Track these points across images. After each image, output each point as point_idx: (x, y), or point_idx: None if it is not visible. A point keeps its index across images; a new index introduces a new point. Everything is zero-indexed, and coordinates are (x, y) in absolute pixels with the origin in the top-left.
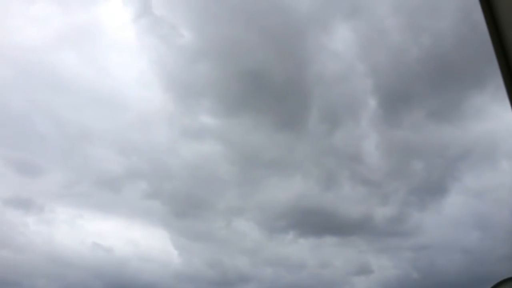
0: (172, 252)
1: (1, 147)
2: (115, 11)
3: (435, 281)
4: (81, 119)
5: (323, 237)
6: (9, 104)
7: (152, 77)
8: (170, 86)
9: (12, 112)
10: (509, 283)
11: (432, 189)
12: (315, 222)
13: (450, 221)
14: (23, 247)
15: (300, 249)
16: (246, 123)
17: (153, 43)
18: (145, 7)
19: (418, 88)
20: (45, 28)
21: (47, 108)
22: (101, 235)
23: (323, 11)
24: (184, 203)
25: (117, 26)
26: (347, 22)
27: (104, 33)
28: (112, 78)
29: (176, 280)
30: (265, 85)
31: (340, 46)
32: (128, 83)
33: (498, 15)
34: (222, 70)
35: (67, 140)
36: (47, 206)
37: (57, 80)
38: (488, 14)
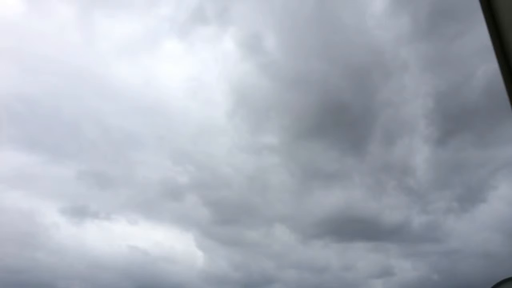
0: (200, 255)
1: (58, 155)
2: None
3: (454, 283)
4: (141, 129)
5: (356, 243)
6: (62, 111)
7: (221, 95)
8: (241, 105)
9: (64, 118)
10: (509, 283)
11: (470, 198)
12: (353, 229)
13: (482, 227)
14: (59, 250)
15: (329, 254)
16: (315, 146)
17: (233, 64)
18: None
19: (470, 111)
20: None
21: (104, 116)
22: (137, 239)
23: (397, 48)
24: (232, 211)
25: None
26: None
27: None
28: (173, 92)
29: (205, 282)
30: (341, 114)
31: (407, 76)
32: (192, 99)
33: (498, 15)
34: (304, 97)
35: (124, 151)
36: (101, 213)
37: (122, 91)
38: (488, 14)
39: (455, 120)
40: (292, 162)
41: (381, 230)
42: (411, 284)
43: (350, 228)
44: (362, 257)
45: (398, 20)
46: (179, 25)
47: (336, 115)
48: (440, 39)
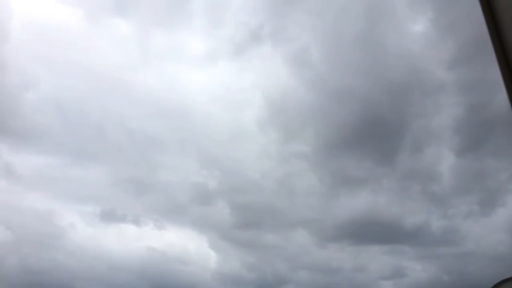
0: (214, 255)
1: (84, 158)
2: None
3: (463, 284)
4: (168, 133)
5: (373, 246)
6: (88, 113)
7: (257, 104)
8: (277, 114)
9: (89, 121)
10: (509, 283)
11: (490, 203)
12: (372, 232)
13: (497, 230)
14: (79, 252)
15: (344, 256)
16: (347, 155)
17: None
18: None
19: (493, 124)
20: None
21: (133, 121)
22: (160, 242)
23: (437, 69)
24: (257, 215)
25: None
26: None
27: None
28: (207, 99)
29: (219, 283)
30: (376, 127)
31: (444, 96)
32: (227, 107)
33: (498, 15)
34: (342, 110)
35: (151, 155)
36: (128, 216)
37: (157, 98)
38: (488, 14)
39: (480, 131)
40: (322, 169)
41: (400, 233)
42: (421, 285)
43: (369, 231)
44: (376, 259)
45: (441, 43)
46: (235, 45)
47: (371, 127)
48: (479, 63)
